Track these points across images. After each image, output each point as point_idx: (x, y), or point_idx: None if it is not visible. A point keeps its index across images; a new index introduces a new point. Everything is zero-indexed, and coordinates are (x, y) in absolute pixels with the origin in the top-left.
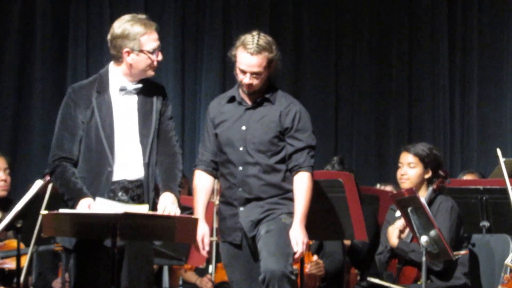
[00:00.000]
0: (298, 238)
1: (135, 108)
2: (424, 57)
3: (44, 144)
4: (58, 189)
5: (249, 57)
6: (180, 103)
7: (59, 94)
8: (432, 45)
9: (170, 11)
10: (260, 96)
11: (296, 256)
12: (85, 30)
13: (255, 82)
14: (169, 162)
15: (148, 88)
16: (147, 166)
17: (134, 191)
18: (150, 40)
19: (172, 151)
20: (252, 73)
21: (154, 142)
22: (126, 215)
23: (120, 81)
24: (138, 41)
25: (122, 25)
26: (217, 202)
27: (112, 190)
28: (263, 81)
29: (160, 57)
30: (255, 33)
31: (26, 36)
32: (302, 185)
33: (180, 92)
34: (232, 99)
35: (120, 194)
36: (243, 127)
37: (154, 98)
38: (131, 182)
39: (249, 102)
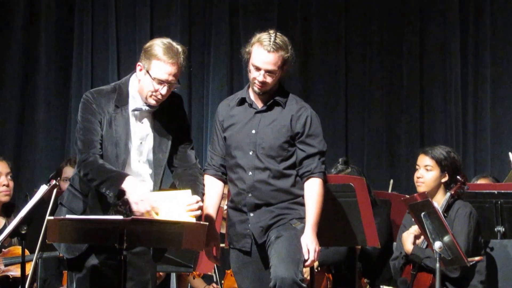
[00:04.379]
0: (309, 245)
1: (150, 131)
2: (436, 58)
3: (48, 149)
4: (89, 176)
5: (266, 54)
6: (187, 105)
7: (63, 100)
8: (443, 45)
9: (176, 10)
10: (270, 98)
11: (307, 263)
12: (90, 35)
13: (268, 80)
14: (191, 175)
15: (164, 106)
16: (154, 178)
17: None
18: (161, 69)
19: (194, 174)
20: (267, 71)
21: (165, 169)
22: (134, 221)
23: (136, 98)
24: (149, 62)
25: (154, 41)
26: (225, 207)
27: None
28: (275, 81)
29: (164, 91)
30: (272, 31)
31: (30, 42)
32: (313, 191)
33: (186, 93)
34: (242, 101)
35: (119, 206)
36: (253, 131)
37: (170, 119)
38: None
39: (259, 105)
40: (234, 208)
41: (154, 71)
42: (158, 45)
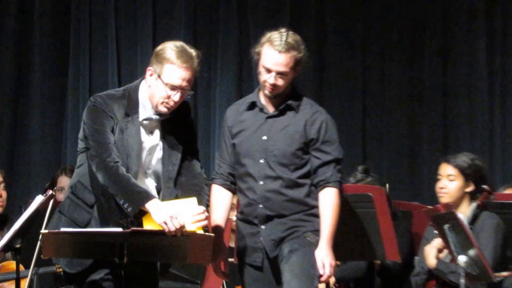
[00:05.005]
0: (325, 260)
1: (159, 142)
2: (460, 58)
3: (43, 157)
4: (109, 182)
5: (277, 54)
6: (192, 110)
7: (59, 106)
8: (468, 44)
9: (181, 7)
10: (282, 102)
11: (323, 279)
12: (87, 36)
13: (280, 82)
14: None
15: (173, 115)
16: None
17: (135, 216)
18: (174, 74)
19: (198, 184)
20: (278, 73)
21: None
22: (134, 233)
23: (146, 106)
24: (161, 66)
25: (166, 44)
26: (234, 218)
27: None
28: (287, 83)
29: (176, 98)
30: (283, 30)
31: (23, 44)
32: (329, 201)
33: (192, 97)
34: (252, 106)
35: (120, 218)
36: (264, 137)
37: (180, 129)
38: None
39: (270, 109)
40: (244, 220)
41: (166, 76)
42: (171, 48)
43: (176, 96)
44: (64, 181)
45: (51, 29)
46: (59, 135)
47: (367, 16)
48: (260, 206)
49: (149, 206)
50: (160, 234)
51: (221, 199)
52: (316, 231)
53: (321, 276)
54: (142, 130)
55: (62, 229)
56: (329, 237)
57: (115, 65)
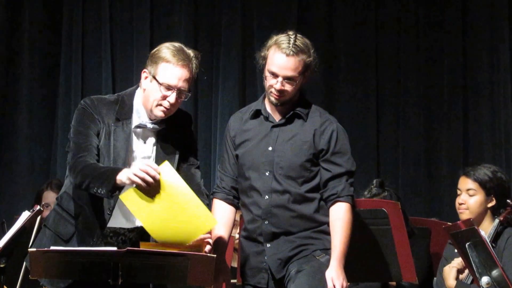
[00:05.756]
0: (335, 280)
1: (151, 150)
2: (482, 64)
3: (31, 168)
4: (78, 178)
5: (284, 58)
6: (193, 117)
7: (49, 114)
8: (490, 48)
9: (181, 8)
10: (290, 110)
11: None
12: (80, 39)
13: (287, 88)
14: None
15: (171, 126)
16: None
17: (127, 235)
18: (169, 72)
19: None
20: (285, 78)
21: None
22: (130, 252)
23: (141, 113)
24: (156, 66)
25: (162, 45)
26: (236, 236)
27: (102, 234)
28: (295, 90)
29: (172, 99)
30: (291, 32)
31: (11, 48)
32: (340, 217)
33: (192, 105)
34: (256, 114)
35: (109, 237)
36: (270, 148)
37: (177, 141)
38: (123, 228)
39: (277, 118)
40: (247, 237)
41: (161, 75)
42: (167, 47)
43: (172, 97)
44: (49, 197)
45: (41, 33)
46: (48, 144)
47: (380, 17)
48: (266, 222)
49: (120, 177)
50: (158, 254)
51: (223, 215)
52: (326, 250)
53: None
54: (134, 139)
55: (52, 248)
56: (340, 256)
57: (110, 72)
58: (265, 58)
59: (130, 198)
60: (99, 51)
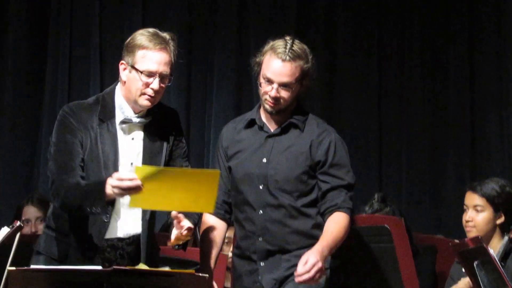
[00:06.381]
0: (311, 258)
1: (140, 147)
2: (490, 72)
3: (12, 183)
4: (66, 203)
5: (280, 63)
6: (185, 127)
7: (33, 125)
8: (499, 55)
9: (174, 11)
10: (286, 119)
11: (299, 278)
12: (68, 42)
13: (283, 95)
14: None
15: (158, 120)
16: (146, 222)
17: (125, 248)
18: (148, 59)
19: None
20: (281, 84)
21: None
22: (116, 271)
23: (124, 108)
24: (133, 55)
25: (136, 33)
26: (230, 254)
27: (99, 249)
28: (292, 97)
29: (155, 85)
30: (288, 37)
31: None
32: (337, 221)
33: (184, 113)
34: (251, 123)
35: (107, 252)
36: (264, 160)
37: (165, 136)
38: (121, 239)
39: (272, 128)
40: (240, 255)
41: (140, 63)
42: (141, 34)
43: (155, 84)
44: (30, 212)
45: (26, 38)
46: (31, 154)
47: (383, 24)
48: (260, 239)
49: (108, 190)
50: (146, 273)
51: (214, 231)
52: (325, 270)
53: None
54: (121, 137)
55: (33, 266)
56: (325, 245)
57: (98, 75)
58: (260, 64)
59: (138, 202)
60: (87, 57)
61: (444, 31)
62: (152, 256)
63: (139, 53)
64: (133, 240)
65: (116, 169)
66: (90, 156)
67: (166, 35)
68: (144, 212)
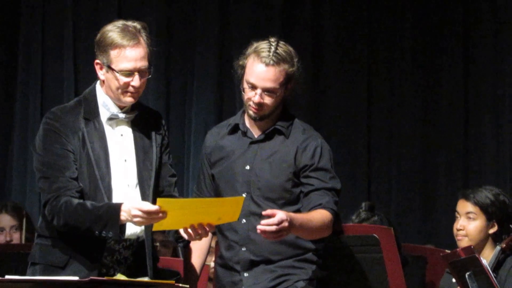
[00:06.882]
0: (279, 213)
1: (131, 143)
2: (485, 72)
3: None
4: (69, 224)
5: (263, 68)
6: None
7: (4, 131)
8: (495, 55)
9: (151, 10)
10: (270, 125)
11: (260, 227)
12: (39, 43)
13: (267, 101)
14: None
15: (144, 117)
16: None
17: (122, 252)
18: (123, 58)
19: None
20: (264, 89)
21: (154, 187)
22: (94, 282)
23: (109, 105)
24: (107, 54)
25: (104, 29)
26: (212, 264)
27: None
28: (276, 103)
29: (136, 83)
30: (273, 39)
31: None
32: (320, 212)
33: (163, 115)
34: (234, 129)
35: (104, 257)
36: (247, 167)
37: (153, 129)
38: (118, 242)
39: (255, 134)
40: (223, 266)
41: (116, 63)
42: (110, 30)
43: (135, 81)
44: (4, 221)
45: None
46: (3, 161)
47: (373, 24)
48: (243, 249)
49: (122, 217)
50: (125, 284)
51: (200, 241)
52: (311, 280)
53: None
54: (110, 134)
55: (7, 277)
56: (298, 217)
57: (72, 76)
58: (243, 67)
59: (161, 226)
60: (61, 58)
61: (437, 32)
62: (155, 265)
63: (113, 53)
64: (130, 244)
65: (108, 167)
66: (81, 157)
67: (136, 25)
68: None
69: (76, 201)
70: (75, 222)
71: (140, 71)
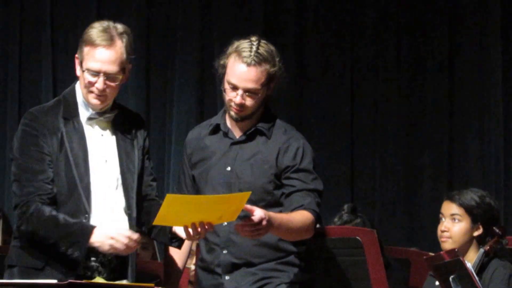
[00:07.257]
0: (258, 211)
1: (112, 144)
2: (471, 73)
3: None
4: (39, 233)
5: (245, 68)
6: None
7: None
8: (481, 56)
9: (131, 9)
10: (252, 125)
11: (240, 226)
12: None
13: (248, 102)
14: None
15: (125, 118)
16: (130, 217)
17: (106, 255)
18: (91, 57)
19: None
20: (246, 90)
21: (137, 187)
22: (72, 285)
23: (87, 104)
24: (82, 50)
25: (90, 25)
26: (192, 267)
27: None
28: (258, 103)
29: (100, 85)
30: (254, 38)
31: None
32: (301, 213)
33: (143, 115)
34: (215, 129)
35: (88, 260)
36: (228, 168)
37: (134, 131)
38: None
39: (237, 134)
40: (204, 268)
41: (85, 60)
42: (93, 27)
43: (99, 83)
44: None
45: None
46: None
47: (357, 21)
48: (224, 252)
49: (95, 239)
50: (105, 287)
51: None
52: (293, 284)
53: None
54: (89, 134)
55: None
56: (278, 217)
57: (50, 77)
58: (224, 67)
59: (163, 221)
60: (39, 57)
61: (422, 31)
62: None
63: (85, 50)
64: None
65: (87, 167)
66: (58, 158)
67: (120, 28)
68: (128, 207)
69: (47, 210)
70: (44, 233)
71: (107, 74)
